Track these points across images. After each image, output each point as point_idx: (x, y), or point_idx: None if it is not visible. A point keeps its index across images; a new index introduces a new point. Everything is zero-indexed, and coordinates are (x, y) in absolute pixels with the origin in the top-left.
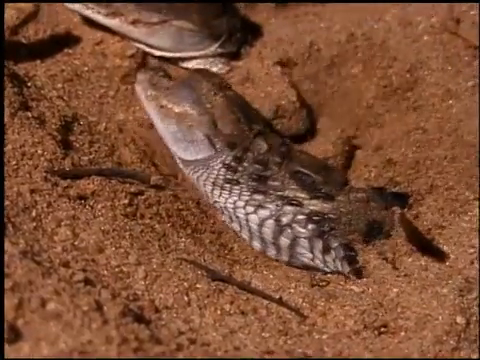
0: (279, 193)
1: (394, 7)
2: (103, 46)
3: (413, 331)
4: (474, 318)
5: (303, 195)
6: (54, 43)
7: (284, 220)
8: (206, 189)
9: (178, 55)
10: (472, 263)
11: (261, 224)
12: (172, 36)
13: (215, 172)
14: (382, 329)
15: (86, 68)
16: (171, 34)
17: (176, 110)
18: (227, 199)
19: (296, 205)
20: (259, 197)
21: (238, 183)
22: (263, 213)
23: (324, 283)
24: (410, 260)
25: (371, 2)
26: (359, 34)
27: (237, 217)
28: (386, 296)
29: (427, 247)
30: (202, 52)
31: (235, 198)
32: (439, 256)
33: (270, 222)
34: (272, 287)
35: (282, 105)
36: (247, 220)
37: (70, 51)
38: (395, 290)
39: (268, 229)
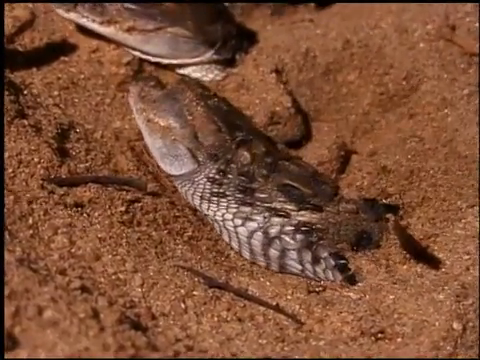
0: (266, 205)
1: (390, 14)
2: (99, 54)
3: (410, 337)
4: (471, 324)
5: (291, 207)
6: (50, 51)
7: (272, 232)
8: (195, 203)
9: (174, 62)
10: (468, 269)
11: (250, 236)
12: (167, 43)
13: (201, 186)
14: (379, 335)
15: (82, 76)
16: (166, 41)
17: (161, 124)
18: (216, 212)
19: (284, 216)
20: (246, 209)
21: (225, 196)
22: (251, 225)
23: (321, 288)
24: (405, 267)
25: (371, 1)
26: (355, 41)
27: (227, 229)
28: (383, 303)
29: (422, 254)
30: (197, 59)
31: (223, 211)
32: (434, 263)
33: (259, 234)
34: (269, 294)
35: (277, 111)
36: (236, 232)
37: (66, 59)
38: (391, 297)
39: (257, 241)
